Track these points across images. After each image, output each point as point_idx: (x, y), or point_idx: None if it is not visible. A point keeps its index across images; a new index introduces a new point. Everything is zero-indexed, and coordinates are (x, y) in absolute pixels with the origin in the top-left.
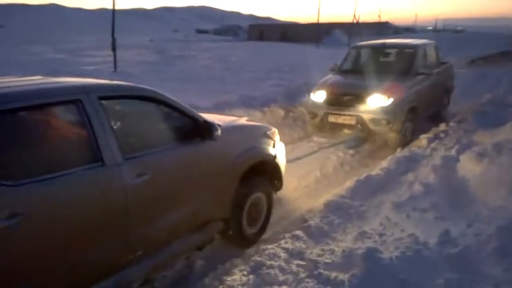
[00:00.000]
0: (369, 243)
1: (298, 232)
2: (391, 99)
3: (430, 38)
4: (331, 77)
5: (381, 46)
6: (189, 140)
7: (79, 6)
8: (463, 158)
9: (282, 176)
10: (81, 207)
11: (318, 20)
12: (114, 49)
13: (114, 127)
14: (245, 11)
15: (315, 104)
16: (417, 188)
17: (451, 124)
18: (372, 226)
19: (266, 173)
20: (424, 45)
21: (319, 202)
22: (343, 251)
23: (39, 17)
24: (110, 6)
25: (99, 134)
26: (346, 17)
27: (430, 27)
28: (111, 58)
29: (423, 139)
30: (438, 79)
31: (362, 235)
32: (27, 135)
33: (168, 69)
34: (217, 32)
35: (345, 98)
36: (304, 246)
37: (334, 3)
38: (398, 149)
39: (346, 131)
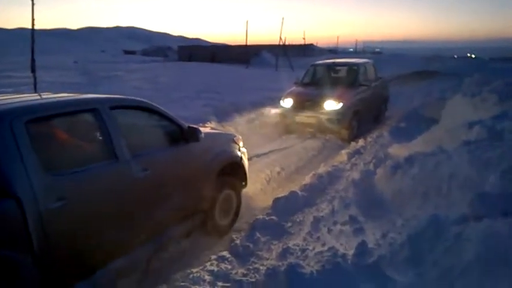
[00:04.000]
0: (291, 259)
1: (225, 253)
2: (341, 104)
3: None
4: (295, 88)
5: (332, 64)
6: (177, 143)
7: None
8: (379, 171)
9: (246, 176)
10: (103, 194)
11: (246, 42)
12: (33, 70)
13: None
14: (174, 32)
15: (284, 109)
16: (337, 202)
17: (369, 139)
18: (296, 242)
19: (234, 173)
20: (365, 63)
21: None
22: (267, 268)
23: None
24: (30, 26)
25: (113, 136)
26: (272, 39)
27: (351, 49)
28: (32, 80)
29: (344, 154)
30: (376, 90)
31: (286, 251)
32: (65, 136)
33: (94, 90)
34: (145, 53)
35: (307, 103)
36: (229, 267)
37: (261, 25)
38: (322, 165)
39: (308, 129)
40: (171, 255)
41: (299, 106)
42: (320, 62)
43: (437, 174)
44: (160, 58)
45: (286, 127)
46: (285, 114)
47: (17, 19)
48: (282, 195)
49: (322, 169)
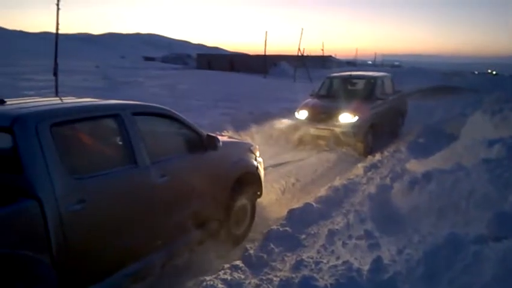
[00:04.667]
0: (305, 272)
1: (238, 262)
2: (357, 117)
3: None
4: (310, 100)
5: (348, 77)
6: (195, 151)
7: (21, 28)
8: (396, 186)
9: (262, 186)
10: (122, 198)
11: (265, 52)
12: (55, 74)
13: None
14: (194, 40)
15: (299, 121)
16: (353, 216)
17: (386, 154)
18: (310, 254)
19: (250, 182)
20: (382, 76)
21: None
22: (281, 280)
23: None
24: (53, 30)
25: (133, 142)
26: (291, 49)
27: (369, 62)
28: (53, 83)
29: (360, 168)
30: (393, 104)
31: (299, 263)
32: (87, 140)
33: (114, 95)
34: (165, 60)
35: (322, 115)
36: (243, 276)
37: (281, 36)
38: (337, 178)
39: (323, 142)
40: (184, 262)
41: (314, 118)
42: (336, 74)
43: (455, 191)
44: (180, 65)
45: (301, 139)
46: (299, 126)
47: (41, 23)
48: (297, 206)
49: (337, 182)
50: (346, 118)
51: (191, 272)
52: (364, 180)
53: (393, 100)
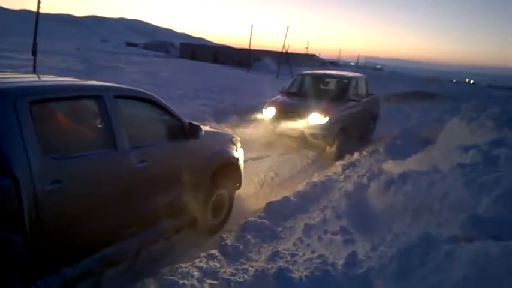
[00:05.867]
0: (281, 263)
1: (214, 251)
2: (327, 118)
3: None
4: (279, 97)
5: (321, 75)
6: (176, 138)
7: (1, 4)
8: (372, 185)
9: (241, 178)
10: (99, 181)
11: (249, 46)
12: (34, 53)
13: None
14: (178, 29)
15: (265, 119)
16: (329, 212)
17: (364, 153)
18: (286, 246)
19: (230, 173)
20: (356, 77)
21: None
22: (256, 270)
23: None
24: (34, 8)
25: (114, 125)
26: (276, 45)
27: (352, 63)
28: (31, 63)
29: (338, 166)
30: (366, 107)
31: (275, 255)
32: (67, 120)
33: (94, 79)
34: (147, 47)
35: (290, 114)
36: (218, 265)
37: (266, 31)
38: (316, 174)
39: (289, 142)
40: (160, 249)
41: (282, 117)
42: (309, 71)
43: (430, 193)
44: (162, 53)
45: (267, 138)
46: (266, 124)
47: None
48: (275, 199)
49: (315, 178)
50: (316, 119)
51: (166, 259)
52: (341, 178)
53: (366, 103)
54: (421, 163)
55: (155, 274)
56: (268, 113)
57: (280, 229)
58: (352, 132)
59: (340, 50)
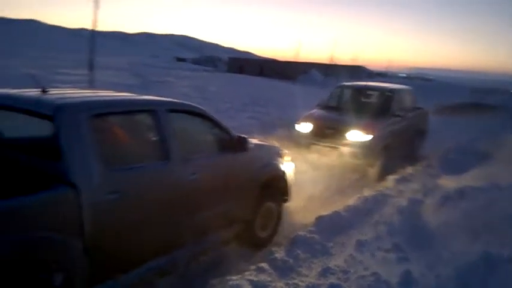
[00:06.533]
0: (332, 280)
1: (264, 265)
2: (369, 136)
3: (406, 85)
4: (316, 111)
5: (363, 87)
6: (225, 150)
7: (59, 24)
8: (427, 201)
9: (290, 191)
10: (153, 192)
11: (295, 59)
12: (90, 69)
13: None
14: (225, 43)
15: (299, 134)
16: (382, 228)
17: (418, 168)
18: (337, 263)
19: (278, 186)
20: (401, 90)
21: None
22: (307, 285)
23: (17, 31)
24: (90, 27)
25: (167, 138)
26: (322, 57)
27: (402, 74)
28: (86, 78)
29: (391, 180)
30: (412, 122)
31: (326, 271)
32: (124, 133)
33: (145, 93)
34: (195, 62)
35: (327, 130)
36: (269, 279)
37: (313, 43)
38: (366, 189)
39: (327, 161)
40: (209, 260)
41: (318, 133)
42: (349, 83)
43: (490, 210)
44: (210, 68)
45: (301, 155)
46: (300, 140)
47: (79, 20)
48: (325, 214)
49: (367, 192)
50: (356, 136)
51: (216, 270)
52: (394, 193)
53: (412, 118)
54: (478, 179)
55: (205, 286)
56: (303, 128)
57: (330, 244)
58: (396, 151)
59: (389, 61)
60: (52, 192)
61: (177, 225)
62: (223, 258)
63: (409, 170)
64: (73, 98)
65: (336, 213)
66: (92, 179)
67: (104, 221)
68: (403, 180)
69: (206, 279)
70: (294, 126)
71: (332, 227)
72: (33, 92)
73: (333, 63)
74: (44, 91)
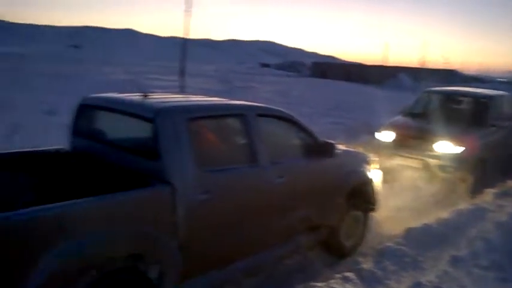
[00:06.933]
0: None
1: (349, 274)
2: (461, 148)
3: (504, 91)
4: (400, 118)
5: (454, 93)
6: (311, 156)
7: (153, 32)
8: None
9: (376, 199)
10: (242, 194)
11: (383, 63)
12: (182, 75)
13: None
14: (308, 48)
15: (380, 144)
16: (479, 243)
17: None
18: (429, 278)
19: (364, 194)
20: (499, 96)
21: None
22: None
23: (114, 40)
24: (181, 35)
25: (256, 141)
26: (412, 61)
27: (501, 79)
28: (177, 83)
29: (489, 194)
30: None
31: (417, 286)
32: (215, 136)
33: (232, 98)
34: (279, 67)
35: (412, 140)
36: None
37: (401, 46)
38: (460, 202)
39: (410, 174)
40: (294, 264)
41: (401, 143)
42: (437, 88)
43: None
44: (294, 73)
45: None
46: (380, 150)
47: (171, 28)
48: (415, 226)
49: (462, 205)
50: (446, 147)
51: (300, 275)
52: (492, 207)
53: None
54: None
55: None
56: (385, 136)
57: (421, 258)
58: (494, 165)
59: (486, 65)
60: (151, 189)
61: (263, 227)
62: (308, 263)
63: (511, 184)
64: (171, 102)
65: (427, 226)
66: (187, 179)
67: (196, 219)
68: (504, 194)
69: (291, 282)
70: (375, 135)
71: (423, 240)
72: (135, 97)
73: (424, 66)
74: (145, 95)
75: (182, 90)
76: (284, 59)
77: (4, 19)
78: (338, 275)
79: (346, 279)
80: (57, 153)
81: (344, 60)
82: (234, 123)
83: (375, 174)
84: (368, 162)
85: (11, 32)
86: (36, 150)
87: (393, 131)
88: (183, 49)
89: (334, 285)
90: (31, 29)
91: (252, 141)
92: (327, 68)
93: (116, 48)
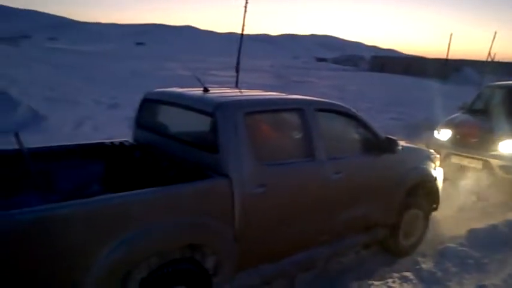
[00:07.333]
0: None
1: (408, 274)
2: None
3: None
4: (459, 115)
5: None
6: (371, 151)
7: (211, 29)
8: None
9: (439, 198)
10: (297, 188)
11: (447, 56)
12: (237, 70)
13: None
14: (368, 41)
15: (438, 142)
16: None
17: None
18: (494, 281)
19: (426, 192)
20: None
21: None
22: None
23: (175, 36)
24: (239, 31)
25: (314, 136)
26: (478, 54)
27: None
28: (233, 79)
29: None
30: None
31: None
32: (272, 130)
33: (288, 93)
34: (336, 61)
35: (472, 139)
36: None
37: (466, 38)
38: None
39: (469, 174)
40: (348, 261)
41: (460, 141)
42: (502, 82)
43: None
44: (351, 67)
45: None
46: (438, 150)
47: (228, 24)
48: (480, 227)
49: None
50: (511, 147)
51: (355, 273)
52: None
53: None
54: None
55: (344, 287)
56: (442, 135)
57: (486, 261)
58: None
59: None
60: (210, 181)
61: (318, 222)
62: (363, 261)
63: None
64: (230, 97)
65: (493, 227)
66: (244, 172)
67: (252, 212)
68: None
69: (345, 280)
70: (433, 133)
71: (488, 241)
72: (195, 91)
73: (492, 59)
74: (205, 90)
75: (238, 85)
76: (341, 53)
77: (74, 18)
78: (396, 274)
79: (404, 279)
80: (121, 145)
81: (405, 54)
82: (291, 117)
83: (438, 172)
84: (432, 160)
85: (81, 31)
86: (103, 142)
87: (451, 129)
88: (239, 45)
89: (392, 285)
90: (98, 28)
91: (309, 136)
92: (385, 62)
93: (177, 45)
